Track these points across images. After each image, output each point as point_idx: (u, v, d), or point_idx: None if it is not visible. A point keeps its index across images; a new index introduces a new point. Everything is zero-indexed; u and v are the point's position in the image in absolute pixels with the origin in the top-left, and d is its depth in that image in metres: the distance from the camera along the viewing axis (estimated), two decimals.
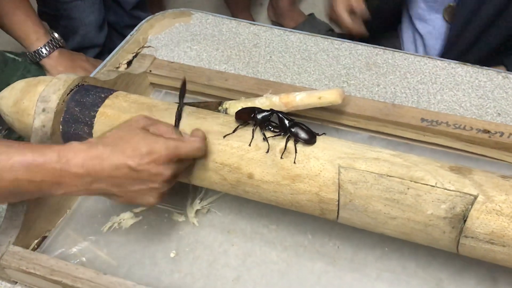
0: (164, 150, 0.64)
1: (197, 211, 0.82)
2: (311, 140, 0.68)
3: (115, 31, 1.69)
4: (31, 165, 0.60)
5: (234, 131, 0.71)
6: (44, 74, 1.17)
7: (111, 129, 0.67)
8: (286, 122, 0.68)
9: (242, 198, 0.75)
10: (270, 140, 0.69)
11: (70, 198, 0.83)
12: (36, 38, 1.15)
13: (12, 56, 1.15)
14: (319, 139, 0.70)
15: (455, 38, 1.21)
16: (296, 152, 0.68)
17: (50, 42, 1.16)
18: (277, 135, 0.69)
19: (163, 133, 0.67)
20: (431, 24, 1.26)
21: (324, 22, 2.16)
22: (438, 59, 1.03)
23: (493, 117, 0.90)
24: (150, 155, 0.63)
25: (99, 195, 0.66)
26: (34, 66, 1.17)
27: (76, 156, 0.61)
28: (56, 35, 1.19)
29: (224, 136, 0.71)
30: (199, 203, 0.82)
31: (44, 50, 1.15)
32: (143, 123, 0.67)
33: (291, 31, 1.11)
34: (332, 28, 2.11)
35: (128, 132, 0.65)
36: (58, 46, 1.18)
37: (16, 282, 0.75)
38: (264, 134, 0.70)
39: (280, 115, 0.69)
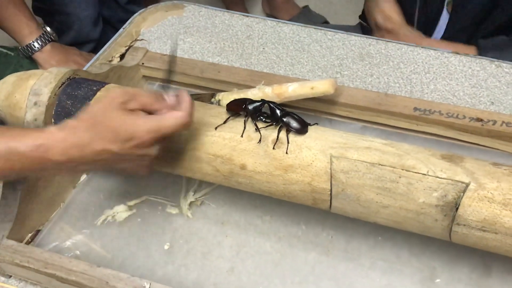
0: (146, 134, 0.61)
1: (190, 203, 0.82)
2: (302, 129, 0.68)
3: (109, 25, 1.69)
4: (10, 154, 0.59)
5: (225, 122, 0.71)
6: (37, 68, 1.17)
7: (89, 107, 0.64)
8: (278, 112, 0.68)
9: (235, 189, 0.75)
10: (262, 131, 0.69)
11: (64, 192, 0.83)
12: (29, 32, 1.15)
13: (4, 50, 1.15)
14: (311, 129, 0.70)
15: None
16: (288, 142, 0.68)
17: (42, 36, 1.16)
18: (269, 125, 0.69)
19: (145, 105, 0.63)
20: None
21: (318, 15, 2.15)
22: (432, 49, 1.03)
23: (487, 106, 0.90)
24: (132, 141, 0.61)
25: (87, 172, 0.66)
26: (26, 61, 1.16)
27: (55, 146, 0.60)
28: (48, 29, 1.19)
29: (216, 128, 0.71)
30: (193, 195, 0.82)
31: (36, 44, 1.15)
32: (121, 99, 0.62)
33: (284, 23, 1.10)
34: (327, 21, 2.10)
35: (106, 114, 0.62)
36: (50, 40, 1.18)
37: (10, 276, 0.75)
38: (256, 125, 0.70)
39: (272, 105, 0.69)
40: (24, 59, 1.17)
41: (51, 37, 1.18)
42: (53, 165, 0.60)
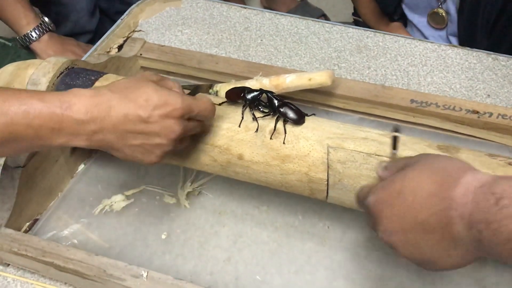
0: (180, 103, 0.60)
1: (188, 193, 0.82)
2: (299, 120, 0.68)
3: (107, 17, 1.68)
4: (30, 108, 0.55)
5: (221, 104, 0.72)
6: (35, 58, 1.16)
7: (118, 80, 0.62)
8: (275, 101, 0.69)
9: (233, 180, 0.76)
10: (259, 121, 0.70)
11: (62, 182, 0.84)
12: (26, 22, 1.15)
13: (2, 41, 1.15)
14: (309, 120, 0.71)
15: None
16: (285, 132, 0.68)
17: (40, 26, 1.16)
18: (266, 115, 0.70)
19: (172, 88, 0.64)
20: (420, 27, 1.26)
21: (316, 8, 2.15)
22: (429, 42, 1.03)
23: (483, 98, 0.91)
24: (164, 107, 0.59)
25: (99, 147, 0.61)
26: (24, 51, 1.16)
27: (79, 102, 0.57)
28: (46, 19, 1.19)
29: (221, 104, 0.72)
30: (190, 185, 0.82)
31: (34, 34, 1.15)
32: (154, 78, 0.63)
33: (282, 15, 1.11)
34: (325, 14, 2.10)
35: (139, 83, 0.61)
36: (48, 30, 1.18)
37: (9, 264, 0.75)
38: (253, 114, 0.70)
39: (269, 95, 0.69)
40: (21, 50, 1.17)
41: (49, 27, 1.18)
42: (72, 126, 0.57)
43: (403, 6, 1.26)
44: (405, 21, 1.30)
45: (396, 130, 0.60)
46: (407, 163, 0.54)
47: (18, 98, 0.56)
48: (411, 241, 0.51)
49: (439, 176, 0.49)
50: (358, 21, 1.41)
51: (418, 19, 1.24)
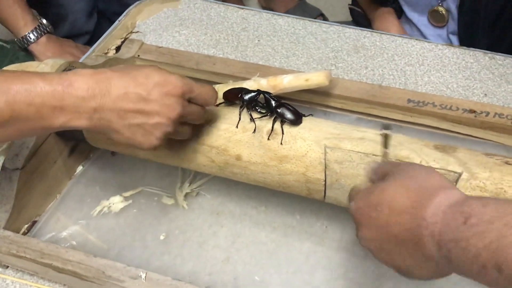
0: (180, 82, 0.60)
1: (186, 194, 0.82)
2: (297, 120, 0.69)
3: (104, 18, 1.68)
4: (31, 86, 0.55)
5: (218, 105, 0.72)
6: (33, 60, 1.17)
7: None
8: (273, 102, 0.69)
9: (231, 180, 0.76)
10: (257, 121, 0.70)
11: (60, 183, 0.84)
12: (24, 23, 1.15)
13: (0, 43, 1.15)
14: (306, 120, 0.71)
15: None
16: (283, 133, 0.68)
17: (38, 27, 1.16)
18: (264, 116, 0.70)
19: None
20: (421, 26, 1.26)
21: (314, 7, 2.16)
22: (426, 41, 1.03)
23: (480, 97, 0.91)
24: (164, 85, 0.59)
25: (99, 128, 0.60)
26: (22, 53, 1.16)
27: (80, 79, 0.57)
28: (44, 21, 1.19)
29: (218, 104, 0.72)
30: (189, 186, 0.83)
31: (32, 36, 1.15)
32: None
33: (279, 15, 1.11)
34: (323, 13, 2.11)
35: (140, 66, 0.61)
36: (46, 32, 1.18)
37: (8, 266, 0.75)
38: (251, 115, 0.70)
39: (267, 96, 0.69)
40: (20, 52, 1.17)
41: (47, 29, 1.18)
42: (73, 103, 0.57)
43: (402, 3, 1.26)
44: (399, 13, 1.30)
45: (387, 128, 0.62)
46: (391, 171, 0.56)
47: (20, 77, 0.56)
48: (385, 250, 0.53)
49: (414, 192, 0.51)
50: (354, 10, 1.41)
51: (418, 18, 1.24)
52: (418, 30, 1.25)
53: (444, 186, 0.51)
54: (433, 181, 0.52)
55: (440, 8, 1.18)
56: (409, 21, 1.27)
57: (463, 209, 0.46)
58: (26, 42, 1.16)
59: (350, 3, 1.47)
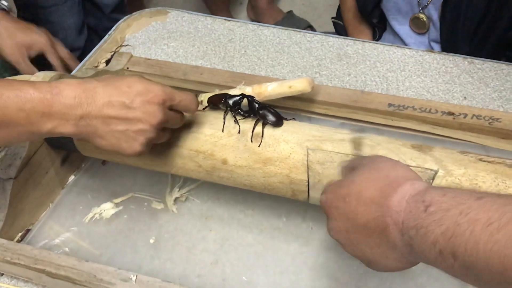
0: (160, 91, 0.63)
1: (176, 199, 0.84)
2: (278, 122, 0.71)
3: (95, 34, 1.71)
4: (22, 92, 0.58)
5: (204, 109, 0.76)
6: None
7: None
8: (255, 104, 0.72)
9: (219, 185, 0.78)
10: (242, 125, 0.73)
11: (52, 192, 0.86)
12: None
13: None
14: (289, 124, 0.73)
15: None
16: (262, 136, 0.71)
17: None
18: (247, 117, 0.73)
19: None
20: (402, 34, 1.29)
21: (303, 19, 2.20)
22: (407, 48, 1.07)
23: (459, 101, 0.94)
24: (146, 94, 0.63)
25: (85, 135, 0.63)
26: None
27: (68, 87, 0.60)
28: (5, 2, 1.07)
29: (204, 108, 0.75)
30: (178, 191, 0.85)
31: None
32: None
33: (265, 26, 1.14)
34: (311, 25, 2.14)
35: (124, 77, 0.65)
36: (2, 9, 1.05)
37: (2, 274, 0.77)
38: (235, 117, 0.73)
39: (250, 99, 0.72)
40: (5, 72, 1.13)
41: (4, 7, 1.05)
42: (61, 110, 0.60)
43: (386, 13, 1.29)
44: (384, 25, 1.33)
45: (360, 132, 0.69)
46: (359, 164, 0.59)
47: (11, 84, 0.59)
48: (353, 241, 0.56)
49: (380, 183, 0.54)
50: (337, 23, 1.45)
51: (400, 27, 1.27)
52: (401, 41, 1.29)
53: (409, 177, 0.54)
54: (399, 172, 0.55)
55: (421, 15, 1.21)
56: (393, 31, 1.30)
57: (424, 198, 0.48)
58: None
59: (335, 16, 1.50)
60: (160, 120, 0.64)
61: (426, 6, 1.18)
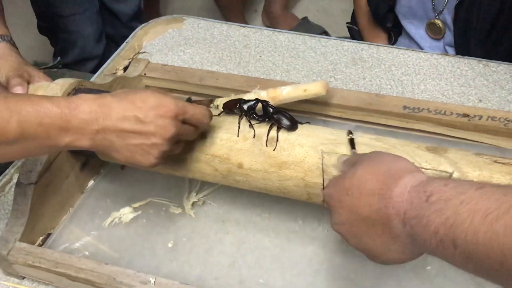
0: (173, 105, 0.65)
1: (193, 203, 0.86)
2: (292, 126, 0.72)
3: (113, 42, 1.74)
4: (41, 108, 0.60)
5: (219, 114, 0.77)
6: None
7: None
8: (270, 109, 0.73)
9: (235, 189, 0.79)
10: (257, 130, 0.74)
11: (72, 197, 0.87)
12: None
13: None
14: (303, 128, 0.74)
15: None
16: (277, 140, 0.72)
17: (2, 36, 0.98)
18: (261, 122, 0.74)
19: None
20: (418, 38, 1.28)
21: (317, 25, 2.20)
22: (422, 51, 1.07)
23: (475, 103, 0.94)
24: (159, 108, 0.64)
25: (101, 148, 0.65)
26: None
27: (84, 103, 0.62)
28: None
29: (219, 114, 0.76)
30: (195, 195, 0.86)
31: None
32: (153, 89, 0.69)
33: (280, 32, 1.15)
34: (326, 31, 2.15)
35: (138, 90, 0.67)
36: (10, 43, 0.99)
37: (24, 277, 0.79)
38: (249, 121, 0.74)
39: (264, 104, 0.73)
40: None
41: (11, 42, 1.00)
42: (78, 125, 0.62)
43: (400, 17, 1.29)
44: (399, 29, 1.34)
45: (350, 133, 0.71)
46: (359, 159, 0.60)
47: (31, 100, 0.61)
48: (356, 234, 0.57)
49: (382, 175, 0.55)
50: (352, 28, 1.45)
51: (415, 31, 1.28)
52: (416, 44, 1.29)
53: (411, 170, 0.55)
54: (400, 165, 0.56)
55: (437, 21, 1.21)
56: (408, 36, 1.31)
57: (426, 189, 0.49)
58: None
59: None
60: (173, 134, 0.66)
61: (441, 12, 1.19)
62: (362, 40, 1.38)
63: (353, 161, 0.61)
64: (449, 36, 1.22)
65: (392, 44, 1.34)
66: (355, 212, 0.56)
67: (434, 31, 1.24)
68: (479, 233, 0.43)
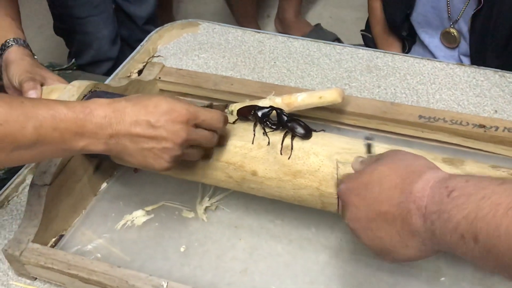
0: (185, 110, 0.66)
1: (206, 208, 0.85)
2: (307, 134, 0.72)
3: (127, 45, 1.75)
4: (56, 113, 0.61)
5: (234, 122, 0.77)
6: None
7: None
8: (284, 117, 0.72)
9: (249, 195, 0.79)
10: (271, 137, 0.73)
11: (85, 200, 0.87)
12: (9, 32, 1.00)
13: None
14: (318, 136, 0.74)
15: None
16: (292, 148, 0.72)
17: (18, 40, 1.00)
18: (276, 130, 0.73)
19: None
20: (432, 48, 1.28)
21: (330, 32, 2.20)
22: (437, 61, 1.07)
23: (490, 114, 0.94)
24: (170, 113, 0.65)
25: (115, 152, 0.67)
26: None
27: (99, 108, 0.64)
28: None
29: (234, 121, 0.77)
30: (208, 200, 0.86)
31: (11, 42, 0.98)
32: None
33: (294, 38, 1.15)
34: (338, 38, 2.15)
35: (151, 95, 0.68)
36: (26, 47, 1.01)
37: (35, 278, 0.79)
38: (264, 129, 0.74)
39: (278, 111, 0.73)
40: None
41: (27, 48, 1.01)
42: (92, 129, 0.63)
43: (415, 26, 1.29)
44: (414, 38, 1.33)
45: (368, 138, 0.71)
46: (379, 157, 0.60)
47: (46, 105, 0.62)
48: (373, 229, 0.56)
49: (403, 171, 0.55)
50: (366, 36, 1.45)
51: (430, 40, 1.27)
52: (430, 53, 1.28)
53: (432, 167, 0.55)
54: (421, 162, 0.56)
55: (452, 30, 1.21)
56: (422, 45, 1.30)
57: (448, 184, 0.50)
58: (3, 48, 0.99)
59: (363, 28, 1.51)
60: (184, 139, 0.66)
61: (456, 21, 1.18)
62: (376, 48, 1.38)
63: (371, 160, 0.61)
64: (464, 46, 1.22)
65: (406, 53, 1.33)
66: (374, 207, 0.55)
67: (449, 40, 1.23)
68: (501, 227, 0.43)
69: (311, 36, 2.17)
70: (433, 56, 1.27)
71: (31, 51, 1.01)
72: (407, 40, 1.33)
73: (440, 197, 0.49)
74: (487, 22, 1.11)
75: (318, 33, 2.19)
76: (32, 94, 0.86)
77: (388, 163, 0.58)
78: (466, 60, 1.23)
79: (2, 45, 1.00)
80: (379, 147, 0.71)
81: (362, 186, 0.57)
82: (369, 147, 0.70)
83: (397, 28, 1.31)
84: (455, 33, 1.21)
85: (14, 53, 0.99)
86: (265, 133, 0.73)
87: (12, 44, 0.99)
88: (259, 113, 0.74)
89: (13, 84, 0.93)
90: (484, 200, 0.45)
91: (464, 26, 1.19)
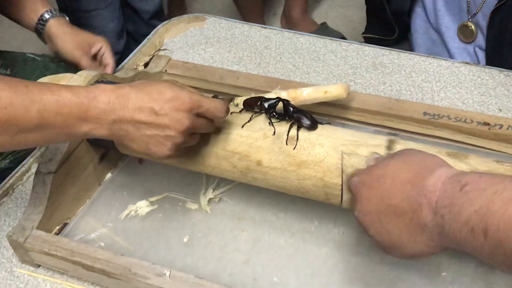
0: (188, 98, 0.66)
1: (209, 199, 0.86)
2: (312, 125, 0.72)
3: (133, 39, 1.76)
4: (61, 97, 0.62)
5: (240, 111, 0.77)
6: (62, 72, 1.16)
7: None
8: (290, 108, 0.73)
9: (252, 187, 0.79)
10: (277, 128, 0.74)
11: (90, 189, 0.88)
12: (41, 6, 1.08)
13: (32, 55, 1.19)
14: (324, 128, 0.74)
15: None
16: (297, 139, 0.72)
17: (52, 10, 1.08)
18: (282, 120, 0.74)
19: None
20: (447, 38, 1.26)
21: (336, 31, 2.21)
22: (443, 59, 1.07)
23: (495, 113, 0.94)
24: (174, 101, 0.65)
25: (117, 137, 0.67)
26: (52, 65, 1.18)
27: (103, 93, 0.64)
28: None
29: (242, 126, 0.76)
30: (212, 192, 0.86)
31: (46, 15, 1.07)
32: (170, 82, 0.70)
33: (300, 34, 1.15)
34: (344, 37, 2.15)
35: (156, 82, 0.68)
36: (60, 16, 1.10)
37: (39, 266, 0.80)
38: (270, 119, 0.74)
39: (285, 102, 0.73)
40: (50, 63, 1.17)
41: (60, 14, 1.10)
42: (96, 114, 0.63)
43: (435, 14, 1.26)
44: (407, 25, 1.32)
45: (391, 134, 0.73)
46: (393, 155, 0.61)
47: (51, 89, 0.63)
48: (382, 222, 0.57)
49: (416, 166, 0.56)
50: (368, 38, 1.45)
51: (445, 29, 1.24)
52: (442, 43, 1.27)
53: (444, 164, 0.56)
54: (434, 159, 0.58)
55: (470, 24, 1.20)
56: (431, 39, 1.29)
57: (461, 179, 0.50)
58: (42, 23, 1.07)
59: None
60: (187, 127, 0.67)
61: (475, 15, 1.18)
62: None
63: (388, 155, 0.62)
64: (480, 39, 1.21)
65: (398, 40, 1.33)
66: (385, 200, 0.56)
67: (465, 34, 1.21)
68: None
69: (317, 34, 2.17)
70: (445, 48, 1.26)
71: (64, 16, 1.09)
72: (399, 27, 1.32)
73: (452, 191, 0.50)
74: (507, 18, 1.11)
75: (324, 31, 2.19)
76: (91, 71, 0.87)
77: (402, 159, 0.58)
78: (481, 53, 1.22)
79: (39, 19, 1.07)
80: (400, 145, 0.71)
81: (375, 179, 0.58)
82: (390, 144, 0.70)
83: (403, 15, 1.29)
84: (473, 27, 1.20)
85: (54, 27, 1.06)
86: (271, 123, 0.74)
87: (48, 18, 1.06)
88: (266, 104, 0.74)
89: (65, 58, 1.04)
90: (496, 195, 0.46)
91: (483, 21, 1.18)
